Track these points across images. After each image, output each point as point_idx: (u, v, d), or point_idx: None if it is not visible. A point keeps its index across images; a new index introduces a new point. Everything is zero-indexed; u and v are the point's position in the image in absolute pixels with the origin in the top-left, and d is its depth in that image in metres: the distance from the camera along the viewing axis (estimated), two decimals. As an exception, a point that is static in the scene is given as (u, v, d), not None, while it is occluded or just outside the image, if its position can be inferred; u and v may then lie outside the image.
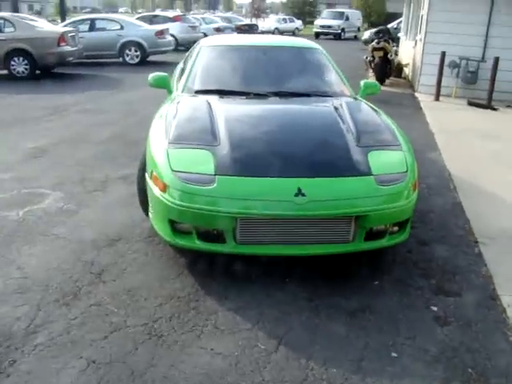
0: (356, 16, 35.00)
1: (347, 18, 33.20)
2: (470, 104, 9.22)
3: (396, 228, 3.20)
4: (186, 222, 2.96)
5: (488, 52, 9.61)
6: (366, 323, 2.74)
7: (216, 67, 4.45)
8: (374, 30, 24.63)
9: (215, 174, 2.92)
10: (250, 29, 24.52)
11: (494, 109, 8.93)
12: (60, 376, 2.23)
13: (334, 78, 4.51)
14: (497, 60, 8.89)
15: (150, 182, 3.14)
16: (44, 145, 5.79)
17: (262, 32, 27.98)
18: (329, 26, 32.51)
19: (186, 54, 5.92)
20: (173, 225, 3.00)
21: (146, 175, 3.27)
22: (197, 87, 4.15)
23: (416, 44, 11.51)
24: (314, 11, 55.50)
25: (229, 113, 3.55)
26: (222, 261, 3.20)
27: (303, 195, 2.87)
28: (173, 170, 2.96)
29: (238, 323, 2.67)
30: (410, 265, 3.40)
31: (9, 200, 4.13)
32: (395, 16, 52.33)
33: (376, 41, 11.22)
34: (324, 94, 4.20)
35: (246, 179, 2.93)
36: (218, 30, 20.55)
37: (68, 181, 4.60)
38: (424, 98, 9.80)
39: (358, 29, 35.34)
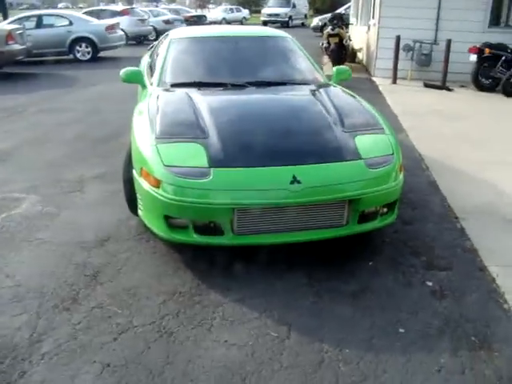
0: (303, 3, 35.20)
1: (294, 6, 33.34)
2: (426, 86, 9.52)
3: (385, 209, 3.29)
4: (183, 216, 2.93)
5: (440, 34, 9.93)
6: (369, 303, 2.81)
7: (189, 59, 4.38)
8: (322, 16, 24.97)
9: (210, 167, 2.90)
10: (199, 20, 24.23)
11: (450, 89, 9.26)
12: (75, 382, 2.17)
13: (306, 65, 4.55)
14: (449, 42, 9.20)
15: (139, 179, 3.08)
16: (7, 147, 5.54)
17: (211, 23, 27.71)
18: (276, 14, 32.55)
19: (151, 46, 5.82)
20: (168, 220, 2.96)
21: (134, 172, 3.21)
22: (172, 80, 4.08)
23: (369, 29, 11.74)
24: (259, 0, 55.57)
25: (211, 104, 3.52)
26: (218, 254, 3.19)
27: (299, 182, 2.89)
28: (165, 165, 2.91)
29: (246, 313, 2.67)
30: (399, 244, 3.49)
31: (-19, 207, 3.94)
32: (340, 1, 53.15)
33: (331, 27, 11.36)
34: (299, 82, 4.23)
35: (241, 170, 2.92)
36: (168, 23, 20.20)
37: (41, 183, 4.44)
38: (381, 82, 10.03)
39: (305, 16, 35.60)
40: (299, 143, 3.18)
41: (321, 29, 23.32)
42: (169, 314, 2.65)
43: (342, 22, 11.99)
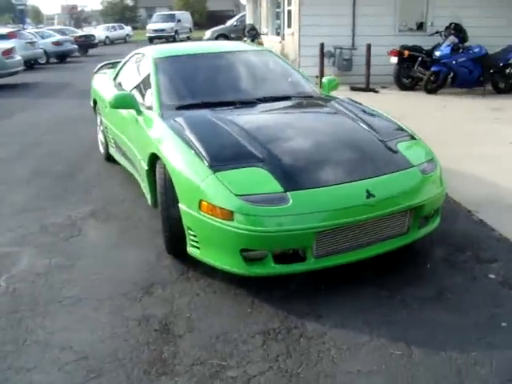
0: (186, 17, 35.16)
1: (179, 20, 33.20)
2: (353, 89, 9.93)
3: (432, 212, 3.32)
4: (262, 247, 2.69)
5: (357, 40, 10.45)
6: (456, 303, 2.80)
7: (184, 79, 4.09)
8: (215, 28, 25.09)
9: (285, 191, 2.70)
10: (88, 39, 23.04)
11: (376, 91, 9.77)
12: None
13: (298, 77, 4.50)
14: (369, 46, 9.70)
15: (196, 214, 2.77)
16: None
17: (99, 42, 26.54)
18: (162, 30, 32.13)
19: (114, 70, 5.35)
20: (243, 254, 2.70)
21: (183, 207, 2.89)
22: (176, 102, 3.77)
23: (284, 38, 12.01)
24: (135, 16, 54.43)
25: (244, 125, 3.30)
26: (282, 279, 2.98)
27: (373, 196, 2.81)
28: (237, 195, 2.66)
29: (355, 337, 2.51)
30: (438, 243, 3.54)
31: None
32: (217, 14, 53.93)
33: (250, 38, 11.46)
34: (302, 95, 4.16)
35: (318, 190, 2.76)
36: (58, 44, 18.94)
37: (27, 232, 3.83)
38: (308, 89, 10.27)
39: (190, 29, 35.58)
40: (358, 157, 3.09)
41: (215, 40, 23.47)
42: (280, 354, 2.40)
43: (257, 32, 12.14)
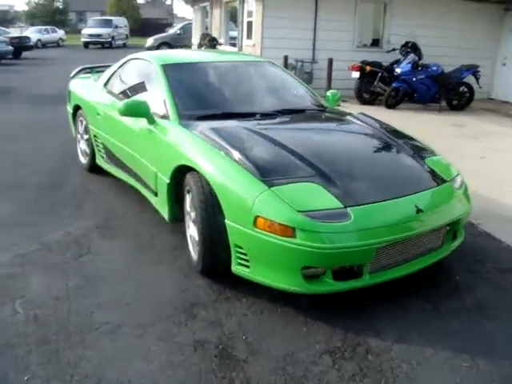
0: (123, 23, 34.23)
1: (116, 26, 32.27)
2: (316, 102, 10.08)
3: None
4: (324, 264, 2.60)
5: (317, 54, 10.65)
6: (498, 313, 2.88)
7: (197, 88, 3.92)
8: (157, 36, 24.67)
9: (345, 207, 2.64)
10: (22, 41, 21.68)
11: (338, 104, 9.94)
12: None
13: (305, 89, 4.46)
14: (331, 61, 9.93)
15: (250, 232, 2.64)
16: None
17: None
18: (98, 35, 31.06)
19: (101, 76, 5.04)
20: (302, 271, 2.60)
21: (231, 224, 2.73)
22: (194, 112, 3.59)
23: (241, 49, 11.99)
24: (65, 20, 52.31)
25: (281, 139, 3.19)
26: (328, 297, 2.90)
27: (421, 211, 2.82)
28: (299, 211, 2.55)
29: (420, 351, 2.51)
30: (457, 256, 3.61)
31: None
32: (151, 22, 53.01)
33: (211, 47, 11.36)
34: (315, 108, 4.12)
35: (375, 206, 2.72)
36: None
37: (26, 250, 3.44)
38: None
39: (127, 36, 34.70)
40: (399, 173, 3.12)
41: (157, 49, 23.01)
42: (355, 374, 2.32)
43: (217, 42, 12.05)
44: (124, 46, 32.41)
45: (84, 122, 5.01)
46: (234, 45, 12.83)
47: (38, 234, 3.72)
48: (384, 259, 2.76)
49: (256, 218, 2.60)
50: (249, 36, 11.42)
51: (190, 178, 3.07)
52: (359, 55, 10.50)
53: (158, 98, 3.78)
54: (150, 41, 23.64)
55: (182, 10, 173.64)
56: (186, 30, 23.31)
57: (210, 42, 11.50)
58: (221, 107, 3.71)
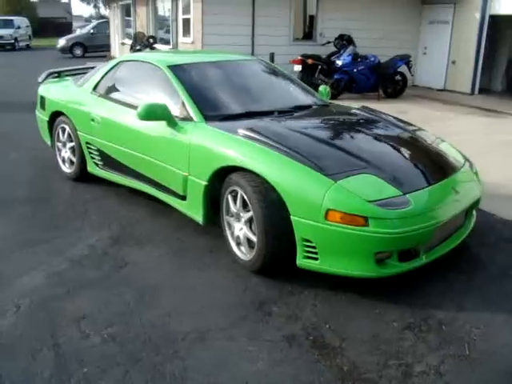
0: (25, 23, 31.97)
1: (18, 27, 30.09)
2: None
3: None
4: (394, 248, 2.77)
5: (256, 49, 10.80)
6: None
7: (209, 88, 3.90)
8: (70, 36, 23.39)
9: (404, 194, 2.83)
10: None
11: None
12: None
13: (301, 84, 4.59)
14: (272, 55, 10.13)
15: (321, 225, 2.74)
16: None
17: None
18: (0, 37, 28.80)
19: (87, 79, 4.79)
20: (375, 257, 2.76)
21: (299, 219, 2.81)
22: (216, 113, 3.59)
23: (177, 47, 11.83)
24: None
25: (318, 134, 3.33)
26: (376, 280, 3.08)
27: (458, 192, 3.10)
28: (369, 201, 2.70)
29: (480, 317, 2.74)
30: (474, 245, 3.73)
31: None
32: (49, 21, 49.96)
33: (148, 48, 11.08)
34: (319, 104, 4.25)
35: (428, 190, 2.96)
36: None
37: (58, 269, 3.23)
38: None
39: (30, 37, 32.51)
40: (428, 159, 3.37)
41: (70, 50, 21.85)
42: (441, 342, 2.51)
43: (154, 40, 11.74)
44: (28, 47, 30.36)
45: (67, 130, 4.75)
46: (167, 43, 12.58)
47: (58, 251, 3.52)
48: (434, 239, 2.99)
49: (327, 211, 2.71)
50: (186, 33, 11.29)
51: (238, 179, 3.08)
52: (296, 49, 10.82)
53: (171, 100, 3.71)
54: (61, 41, 22.34)
55: (78, 9, 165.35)
56: (101, 29, 22.35)
57: (148, 42, 11.19)
58: (240, 106, 3.73)
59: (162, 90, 3.87)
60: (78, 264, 3.34)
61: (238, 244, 3.27)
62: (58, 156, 5.06)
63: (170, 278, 3.19)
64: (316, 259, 2.85)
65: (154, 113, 3.52)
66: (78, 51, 22.04)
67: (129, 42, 15.37)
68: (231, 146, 3.18)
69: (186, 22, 11.19)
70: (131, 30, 15.41)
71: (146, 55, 4.51)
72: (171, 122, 3.56)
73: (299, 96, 4.27)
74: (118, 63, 4.45)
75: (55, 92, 4.97)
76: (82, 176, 4.79)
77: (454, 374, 2.33)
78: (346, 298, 2.95)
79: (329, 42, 10.89)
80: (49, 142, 5.28)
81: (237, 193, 3.15)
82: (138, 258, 3.44)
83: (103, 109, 4.26)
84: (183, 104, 3.63)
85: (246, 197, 3.03)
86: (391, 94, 10.45)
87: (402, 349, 2.51)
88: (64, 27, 44.19)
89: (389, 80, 10.27)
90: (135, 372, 2.34)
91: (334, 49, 10.77)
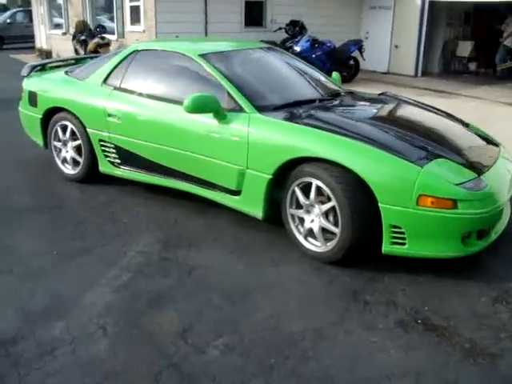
0: None
1: None
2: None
3: None
4: (479, 227, 2.92)
5: (209, 36, 10.58)
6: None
7: (252, 78, 3.80)
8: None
9: (478, 176, 2.96)
10: None
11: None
12: None
13: (320, 71, 4.58)
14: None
15: (411, 210, 2.80)
16: None
17: None
18: None
19: (94, 71, 4.41)
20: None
21: (387, 206, 2.84)
22: (269, 103, 3.51)
23: (124, 36, 11.28)
24: None
25: (379, 122, 3.41)
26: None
27: (510, 171, 3.32)
28: (456, 184, 2.81)
29: None
30: None
31: None
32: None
33: (100, 37, 10.48)
34: (343, 90, 4.24)
35: (490, 172, 3.10)
36: None
37: (121, 280, 3.02)
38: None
39: None
40: (480, 141, 3.56)
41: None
42: (497, 311, 2.69)
43: (105, 30, 11.06)
44: None
45: (71, 127, 4.39)
46: (111, 33, 11.85)
47: (107, 261, 3.27)
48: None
49: (419, 196, 2.76)
50: (134, 22, 10.77)
51: (314, 169, 3.03)
52: (248, 35, 10.73)
53: (210, 91, 3.52)
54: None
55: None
56: (20, 18, 20.58)
57: (97, 31, 10.49)
58: (285, 95, 3.67)
59: (198, 81, 3.71)
60: (140, 273, 3.13)
61: (306, 236, 3.24)
62: (55, 157, 4.66)
63: (248, 277, 3.08)
64: (404, 244, 2.90)
65: (204, 105, 3.35)
66: (-7, 43, 20.15)
67: (58, 32, 14.41)
68: (302, 137, 3.12)
69: (135, 10, 10.67)
70: (61, 20, 14.40)
71: (164, 44, 4.26)
72: (220, 114, 3.41)
73: (327, 83, 4.26)
74: (131, 53, 4.16)
75: (51, 86, 4.55)
76: (88, 177, 4.47)
77: None
78: (424, 279, 3.03)
79: (280, 29, 10.93)
80: (40, 142, 4.85)
81: (308, 184, 3.11)
82: (201, 260, 3.29)
83: (125, 103, 3.97)
84: (229, 95, 3.49)
85: (325, 187, 3.00)
86: (345, 79, 10.70)
87: (504, 321, 2.64)
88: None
89: (343, 65, 10.52)
90: (277, 381, 2.25)
91: (285, 35, 10.86)
